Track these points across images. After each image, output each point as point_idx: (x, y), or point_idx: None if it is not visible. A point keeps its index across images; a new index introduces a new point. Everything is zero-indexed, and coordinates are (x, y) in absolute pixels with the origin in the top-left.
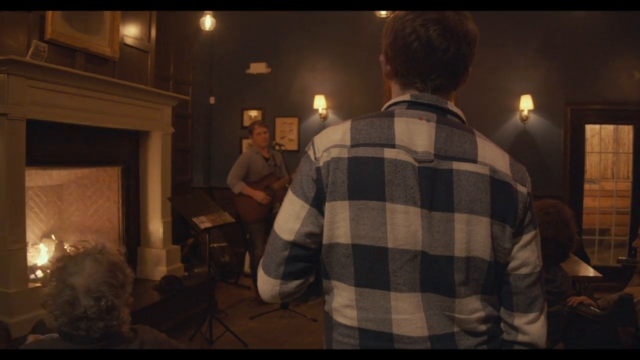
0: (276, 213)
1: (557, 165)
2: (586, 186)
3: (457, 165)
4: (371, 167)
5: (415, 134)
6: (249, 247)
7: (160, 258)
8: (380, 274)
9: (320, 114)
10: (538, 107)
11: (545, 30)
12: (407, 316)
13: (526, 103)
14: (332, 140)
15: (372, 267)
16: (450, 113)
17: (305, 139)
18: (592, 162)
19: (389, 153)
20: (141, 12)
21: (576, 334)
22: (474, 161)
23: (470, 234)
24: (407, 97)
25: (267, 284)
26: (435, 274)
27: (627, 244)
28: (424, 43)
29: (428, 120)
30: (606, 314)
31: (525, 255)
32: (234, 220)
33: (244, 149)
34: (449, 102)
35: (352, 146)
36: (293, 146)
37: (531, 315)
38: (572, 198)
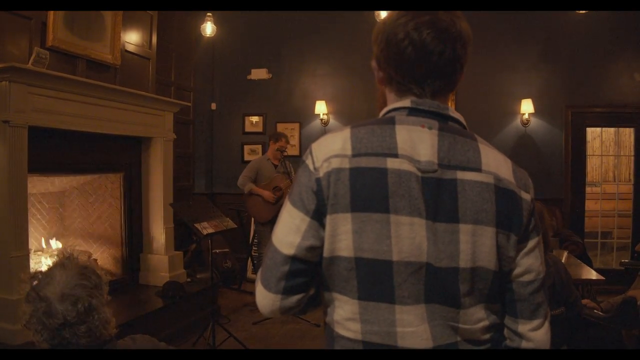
0: None
1: (558, 169)
2: (588, 189)
3: (461, 175)
4: (374, 178)
5: (417, 143)
6: (258, 247)
7: (162, 264)
8: (385, 287)
9: (322, 119)
10: (539, 111)
11: (545, 34)
12: (413, 329)
13: (527, 106)
14: (332, 150)
15: (376, 280)
16: (451, 119)
17: (306, 144)
18: (594, 165)
19: (392, 163)
20: (142, 19)
21: (580, 337)
22: (478, 170)
23: (475, 244)
24: (407, 103)
25: (267, 299)
26: (440, 286)
27: (629, 247)
28: (418, 48)
29: (430, 128)
30: (610, 317)
31: (529, 262)
32: (236, 226)
33: (246, 155)
34: (450, 107)
35: (354, 156)
36: (294, 151)
37: (535, 322)
38: (574, 201)
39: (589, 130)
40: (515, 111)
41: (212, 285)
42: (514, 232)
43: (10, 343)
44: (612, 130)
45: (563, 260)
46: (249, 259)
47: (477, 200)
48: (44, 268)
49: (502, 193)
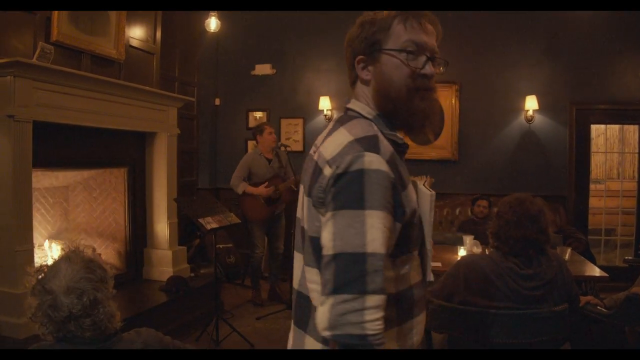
0: (279, 215)
1: (562, 165)
2: (592, 186)
3: (313, 154)
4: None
5: (323, 134)
6: (249, 247)
7: (166, 259)
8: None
9: (326, 115)
10: (543, 107)
11: (549, 31)
12: (294, 271)
13: (531, 103)
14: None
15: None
16: (350, 110)
17: (310, 139)
18: (598, 162)
19: (311, 150)
20: (146, 14)
21: (582, 334)
22: (317, 147)
23: (305, 208)
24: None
25: None
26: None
27: (633, 244)
28: None
29: (332, 121)
30: (613, 314)
31: (323, 236)
32: (239, 221)
33: (249, 151)
34: (352, 101)
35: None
36: (298, 147)
37: (322, 298)
38: (578, 198)
39: (594, 127)
40: (519, 108)
41: (215, 280)
42: (312, 201)
43: (15, 337)
44: (616, 127)
45: (566, 257)
46: None
47: (306, 172)
48: (49, 262)
49: (313, 166)
